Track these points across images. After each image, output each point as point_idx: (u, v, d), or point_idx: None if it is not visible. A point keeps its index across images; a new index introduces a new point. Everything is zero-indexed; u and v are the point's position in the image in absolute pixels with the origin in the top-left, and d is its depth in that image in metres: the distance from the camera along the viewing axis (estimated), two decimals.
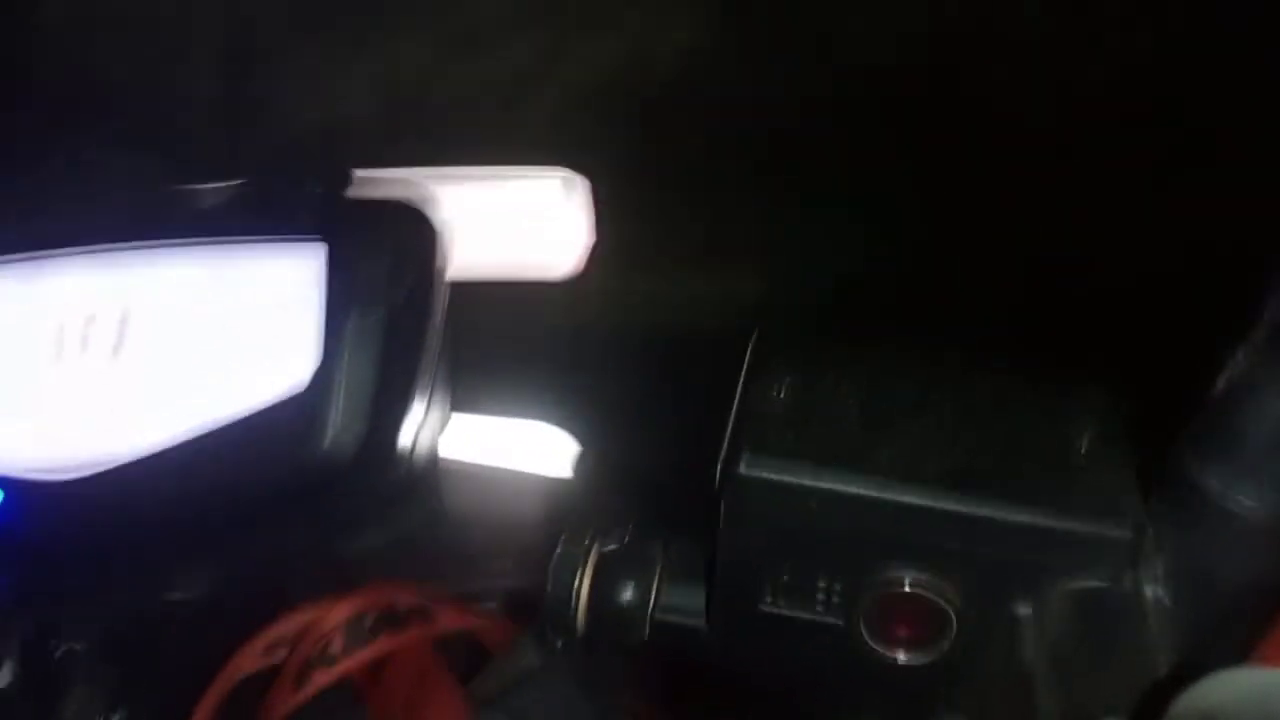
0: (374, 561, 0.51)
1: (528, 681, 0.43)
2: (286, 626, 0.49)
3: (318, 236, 0.48)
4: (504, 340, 0.59)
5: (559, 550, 0.42)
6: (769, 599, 0.40)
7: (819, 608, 0.40)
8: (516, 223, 0.53)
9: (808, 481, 0.39)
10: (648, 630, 0.42)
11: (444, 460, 0.51)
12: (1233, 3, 0.56)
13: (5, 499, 0.45)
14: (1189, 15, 0.57)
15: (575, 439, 0.60)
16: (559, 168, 0.54)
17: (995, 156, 0.63)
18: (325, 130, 0.61)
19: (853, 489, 0.39)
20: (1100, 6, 0.59)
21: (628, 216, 0.56)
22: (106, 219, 0.50)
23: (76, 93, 0.60)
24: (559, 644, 0.43)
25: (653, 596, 0.42)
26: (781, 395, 0.42)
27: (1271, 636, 0.41)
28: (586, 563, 0.42)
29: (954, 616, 0.39)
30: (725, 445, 0.41)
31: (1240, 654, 0.41)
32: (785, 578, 0.40)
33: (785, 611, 0.40)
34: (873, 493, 0.39)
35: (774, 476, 0.39)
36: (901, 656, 0.40)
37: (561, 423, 0.60)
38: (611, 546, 0.43)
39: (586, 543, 0.43)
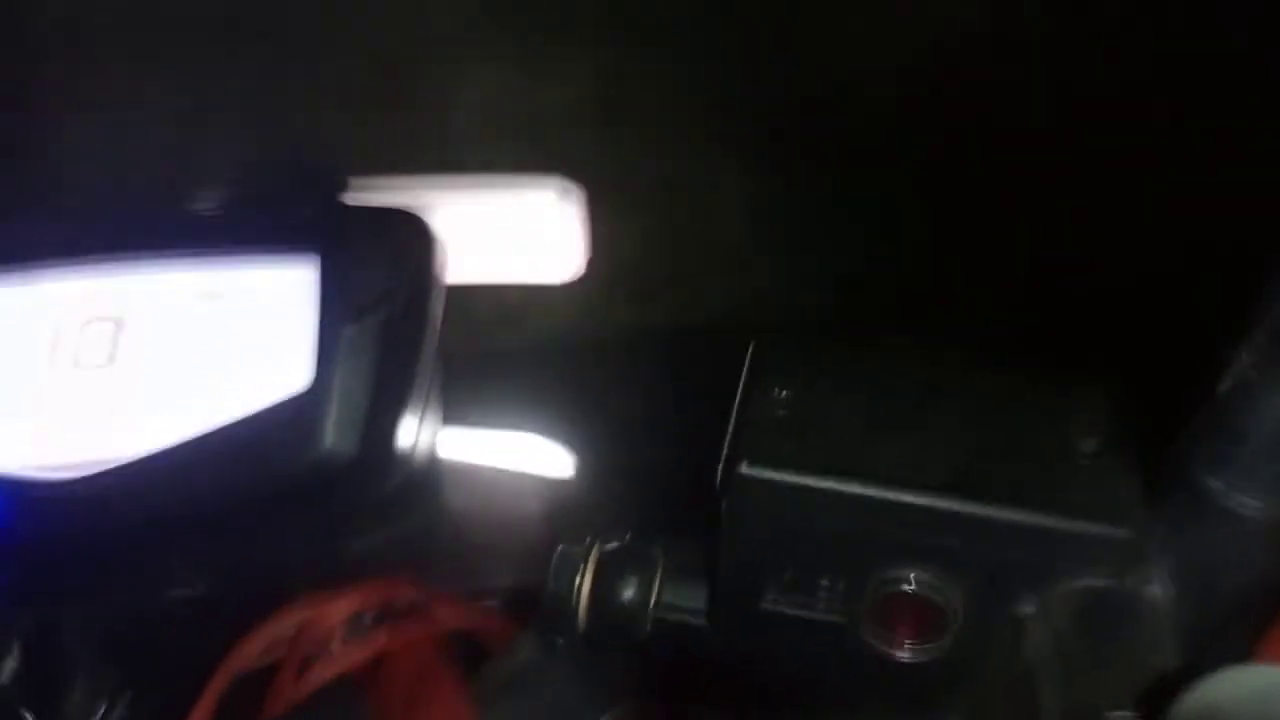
0: (373, 560, 0.51)
1: (528, 679, 0.43)
2: (286, 622, 0.49)
3: (312, 247, 0.48)
4: (503, 338, 0.59)
5: (560, 549, 0.42)
6: (770, 597, 0.41)
7: (820, 606, 0.40)
8: (513, 231, 0.53)
9: (809, 482, 0.39)
10: (649, 628, 0.42)
11: (443, 461, 0.51)
12: (1233, 2, 0.56)
13: (5, 501, 0.45)
14: (1189, 15, 0.57)
15: (575, 440, 0.60)
16: (554, 175, 0.54)
17: (995, 156, 0.63)
18: (319, 140, 0.61)
19: (854, 489, 0.39)
20: (1100, 6, 0.59)
21: (625, 219, 0.56)
22: (103, 230, 0.50)
23: (69, 103, 0.60)
24: (559, 642, 0.43)
25: (654, 595, 0.42)
26: (783, 397, 0.42)
27: (1273, 635, 0.41)
28: (587, 562, 0.42)
29: (956, 616, 0.39)
30: (726, 446, 0.41)
31: (1242, 653, 0.41)
32: (787, 576, 0.40)
33: (787, 610, 0.41)
34: (874, 493, 0.39)
35: (775, 477, 0.39)
36: (903, 655, 0.40)
37: (561, 422, 0.60)
38: (612, 546, 0.43)
39: (587, 542, 0.43)
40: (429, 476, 0.49)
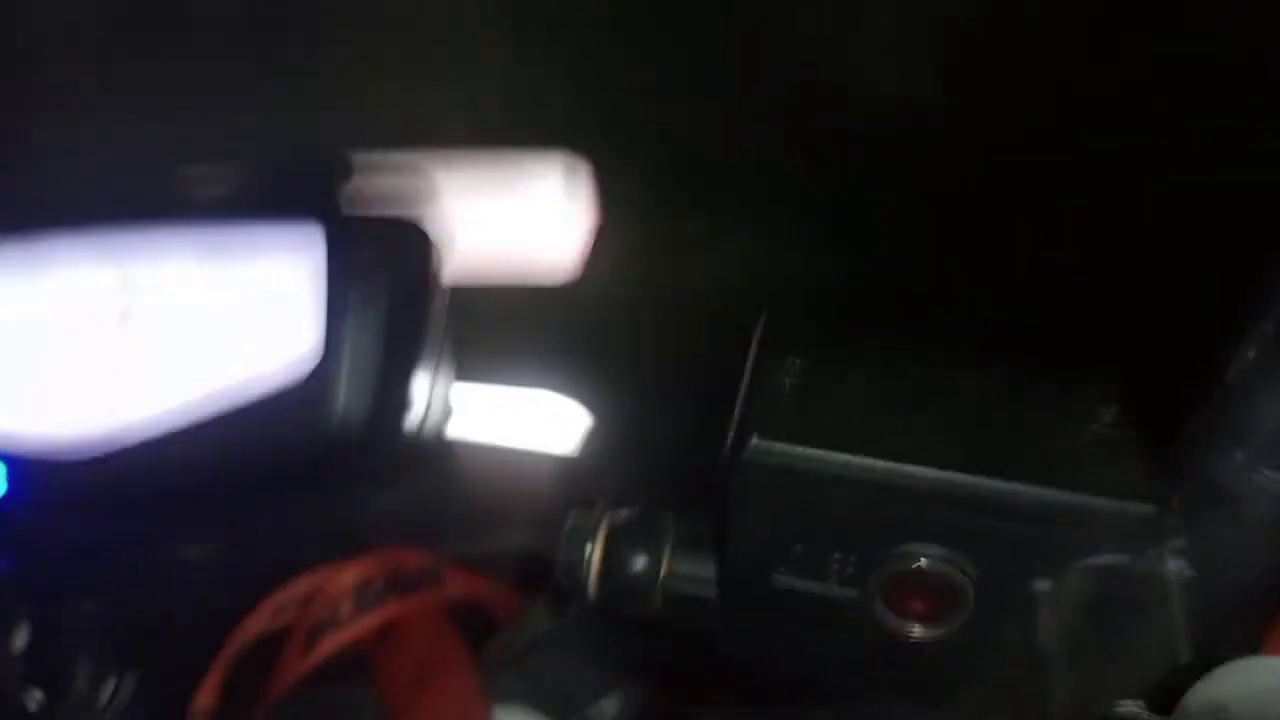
0: (384, 529, 0.50)
1: (540, 645, 0.43)
2: (295, 590, 0.48)
3: (318, 220, 0.48)
4: (515, 316, 0.59)
5: (570, 519, 0.42)
6: (782, 571, 0.40)
7: (832, 581, 0.40)
8: (520, 209, 0.53)
9: (821, 455, 0.39)
10: (659, 599, 0.41)
11: (454, 432, 0.50)
12: (1233, 2, 0.57)
13: (13, 477, 0.44)
14: (1189, 15, 0.58)
15: (587, 410, 0.59)
16: (560, 153, 0.54)
17: (995, 156, 0.63)
18: (325, 123, 0.61)
19: (866, 464, 0.39)
20: (1100, 7, 0.60)
21: (633, 198, 0.56)
22: (109, 205, 0.50)
23: (78, 86, 0.60)
24: (571, 609, 0.42)
25: (664, 566, 0.41)
26: (793, 373, 0.41)
27: None
28: (598, 532, 0.41)
29: (970, 591, 0.39)
30: (736, 422, 0.40)
31: (1253, 643, 0.40)
32: (798, 551, 0.40)
33: (797, 585, 0.40)
34: (886, 468, 0.38)
35: (786, 450, 0.39)
36: (916, 631, 0.40)
37: (573, 392, 0.60)
38: (623, 516, 0.42)
39: (598, 512, 0.42)
40: (440, 443, 0.48)
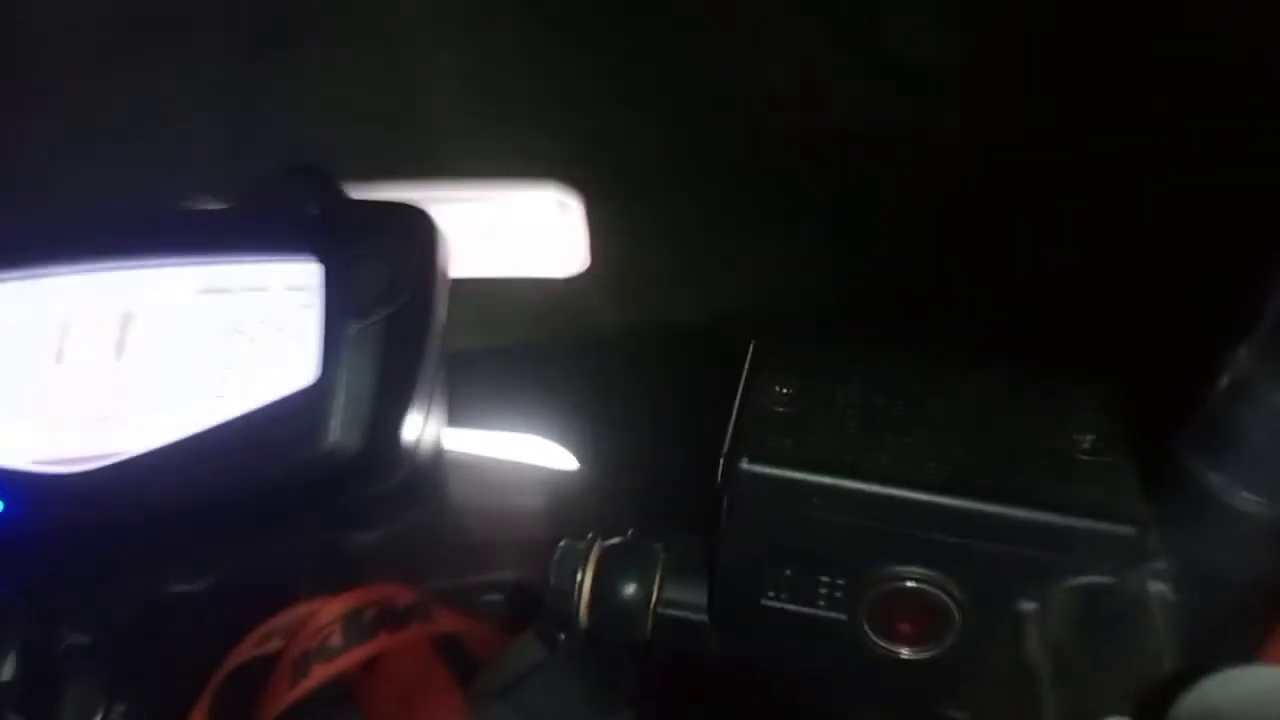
0: (376, 556, 0.51)
1: (530, 675, 0.43)
2: (283, 619, 0.49)
3: (316, 244, 0.48)
4: (506, 334, 0.59)
5: (561, 545, 0.42)
6: (771, 594, 0.40)
7: (821, 603, 0.40)
8: (513, 236, 0.53)
9: (809, 478, 0.39)
10: (650, 625, 0.42)
11: (446, 458, 0.51)
12: (1233, 3, 0.56)
13: (10, 495, 0.45)
14: (1189, 15, 0.58)
15: (577, 436, 0.60)
16: (553, 183, 0.54)
17: (995, 156, 0.63)
18: (322, 147, 0.61)
19: (854, 486, 0.39)
20: (1100, 7, 0.60)
21: (626, 216, 0.56)
22: (108, 229, 0.50)
23: (68, 108, 0.60)
24: (562, 638, 0.43)
25: (655, 591, 0.42)
26: (783, 394, 0.42)
27: (1275, 635, 0.41)
28: (589, 558, 0.42)
29: (957, 612, 0.39)
30: (727, 443, 0.41)
31: (1243, 652, 0.41)
32: (787, 573, 0.40)
33: (788, 606, 0.40)
34: (874, 490, 0.39)
35: (776, 473, 0.39)
36: (905, 652, 0.40)
37: (563, 419, 0.60)
38: (613, 542, 0.43)
39: (589, 538, 0.43)
40: (433, 472, 0.49)
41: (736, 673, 0.43)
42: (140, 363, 0.48)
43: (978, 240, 0.65)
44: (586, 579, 0.41)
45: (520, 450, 0.59)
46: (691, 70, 0.62)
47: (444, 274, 0.49)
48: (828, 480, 0.39)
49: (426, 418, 0.46)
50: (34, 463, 0.46)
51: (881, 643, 0.40)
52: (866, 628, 0.40)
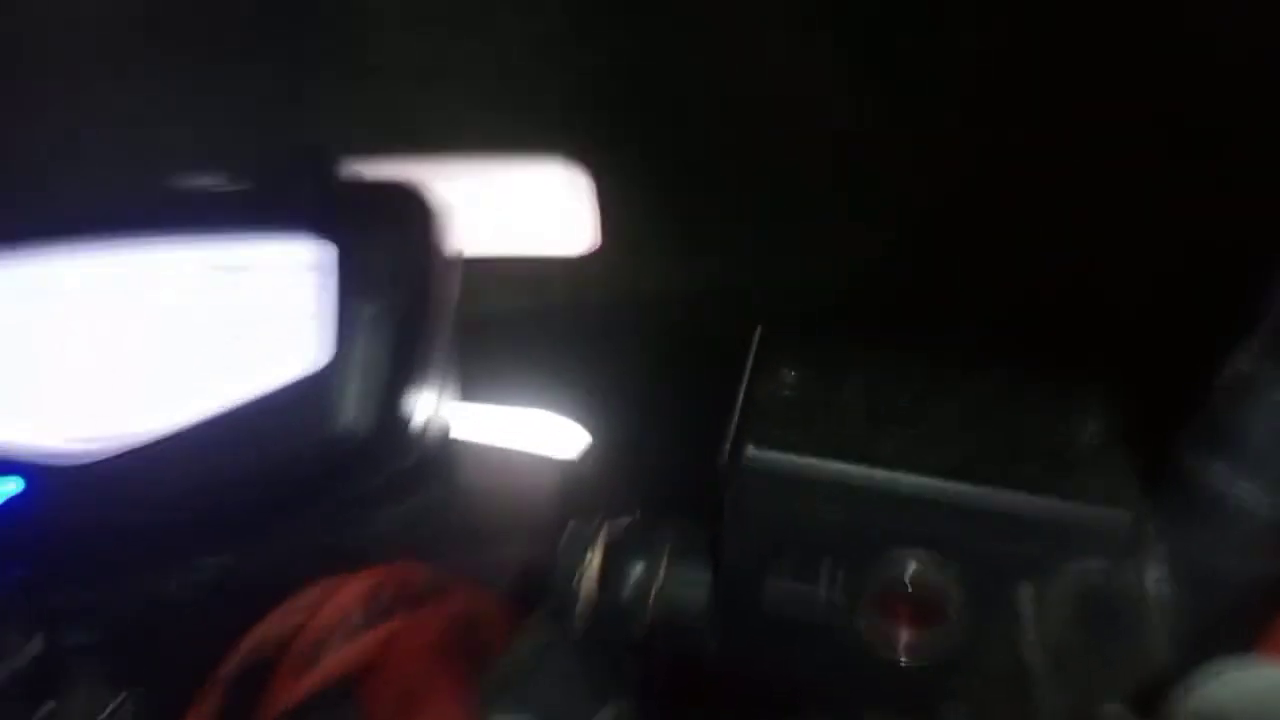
0: (386, 539, 0.51)
1: (535, 662, 0.43)
2: (302, 599, 0.48)
3: (327, 227, 0.48)
4: (514, 330, 0.59)
5: (568, 531, 0.42)
6: (774, 580, 0.41)
7: (823, 590, 0.40)
8: (522, 209, 0.53)
9: (813, 465, 0.39)
10: (656, 608, 0.42)
11: (456, 440, 0.51)
12: (1233, 3, 0.56)
13: (25, 477, 0.45)
14: (1189, 15, 0.58)
15: (584, 427, 0.60)
16: (561, 159, 0.54)
17: (995, 156, 0.63)
18: (331, 128, 0.61)
19: (856, 477, 0.39)
20: (1100, 7, 0.60)
21: (633, 209, 0.56)
22: (116, 214, 0.50)
23: (81, 100, 0.60)
24: (566, 625, 0.43)
25: (660, 573, 0.42)
26: (787, 386, 0.42)
27: (1271, 632, 0.41)
28: (596, 541, 0.42)
29: (955, 603, 0.39)
30: (731, 433, 0.41)
31: (1240, 649, 0.41)
32: (790, 559, 0.40)
33: (790, 590, 0.41)
34: (877, 477, 0.39)
35: (778, 464, 0.39)
36: (906, 636, 0.40)
37: (571, 411, 0.60)
38: (620, 525, 0.43)
39: (596, 521, 0.43)
40: (443, 454, 0.49)
41: (738, 663, 0.43)
42: (151, 346, 0.48)
43: (978, 240, 0.65)
44: (594, 559, 0.41)
45: (531, 425, 0.59)
46: (699, 66, 0.62)
47: (454, 255, 0.49)
48: (831, 467, 0.39)
49: (437, 399, 0.46)
50: (47, 448, 0.46)
51: (880, 633, 0.40)
52: (866, 615, 0.40)
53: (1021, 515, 0.38)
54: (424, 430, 0.46)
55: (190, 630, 0.51)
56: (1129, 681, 0.39)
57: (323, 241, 0.47)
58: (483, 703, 0.43)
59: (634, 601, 0.43)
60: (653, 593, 0.43)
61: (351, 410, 0.45)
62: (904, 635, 0.41)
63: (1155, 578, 0.39)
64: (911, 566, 0.40)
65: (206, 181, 0.52)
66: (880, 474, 0.39)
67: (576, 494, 0.55)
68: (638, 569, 0.43)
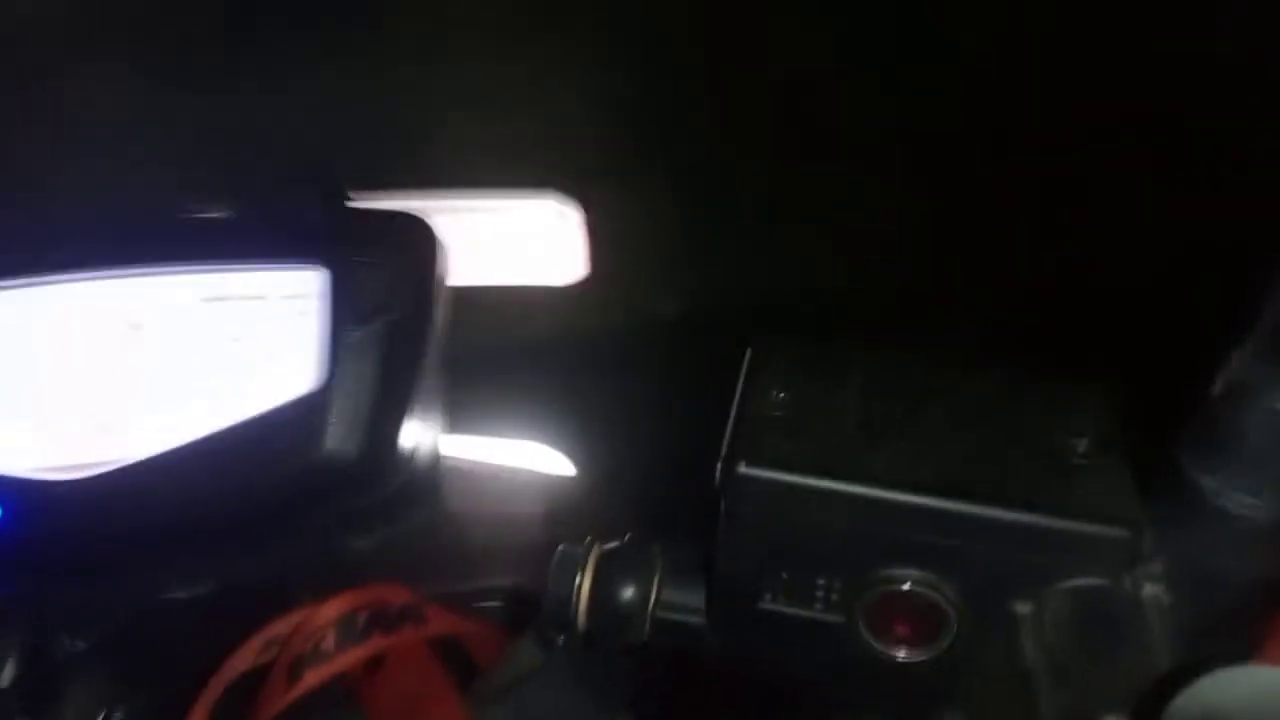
0: (374, 561, 0.51)
1: (530, 678, 0.43)
2: (283, 624, 0.49)
3: (318, 254, 0.49)
4: (506, 343, 0.60)
5: (560, 549, 0.42)
6: (768, 597, 0.41)
7: (818, 605, 0.40)
8: (513, 246, 0.54)
9: (806, 482, 0.39)
10: (648, 628, 0.42)
11: (445, 461, 0.51)
12: (1233, 3, 0.56)
13: (12, 501, 0.46)
14: (1189, 16, 0.58)
15: (574, 441, 0.60)
16: (553, 192, 0.54)
17: (995, 156, 0.63)
18: (325, 157, 0.61)
19: (851, 490, 0.39)
20: (1100, 7, 0.60)
21: (625, 220, 0.56)
22: (109, 241, 0.51)
23: (74, 115, 0.60)
24: (560, 641, 0.43)
25: (653, 595, 0.42)
26: (781, 398, 0.42)
27: (1270, 635, 0.41)
28: (587, 561, 0.42)
29: (953, 615, 0.39)
30: (725, 446, 0.41)
31: (1238, 653, 0.41)
32: (785, 576, 0.40)
33: (785, 609, 0.41)
34: (871, 493, 0.39)
35: (773, 477, 0.39)
36: (901, 654, 0.40)
37: (561, 423, 0.60)
38: (612, 546, 0.43)
39: (587, 542, 0.43)
40: (431, 478, 0.49)
41: (734, 676, 0.43)
42: (141, 369, 0.48)
43: (978, 240, 0.65)
44: (585, 582, 0.41)
45: (518, 455, 0.59)
46: (690, 73, 0.62)
47: (443, 282, 0.50)
48: (825, 484, 0.39)
49: (425, 425, 0.47)
50: (36, 469, 0.46)
51: (878, 645, 0.40)
52: (863, 630, 0.40)
53: (1017, 529, 0.38)
54: (413, 454, 0.47)
55: (181, 642, 0.51)
56: (1128, 689, 0.39)
57: (314, 267, 0.48)
58: (475, 712, 0.44)
59: (627, 622, 0.43)
60: (646, 613, 0.43)
61: (340, 434, 0.45)
62: (902, 643, 0.41)
63: (1153, 587, 0.39)
64: (908, 581, 0.40)
65: (199, 209, 0.52)
66: (874, 489, 0.39)
67: (566, 517, 0.55)
68: (629, 590, 0.43)
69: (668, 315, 0.65)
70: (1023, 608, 0.40)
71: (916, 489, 0.39)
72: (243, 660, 0.49)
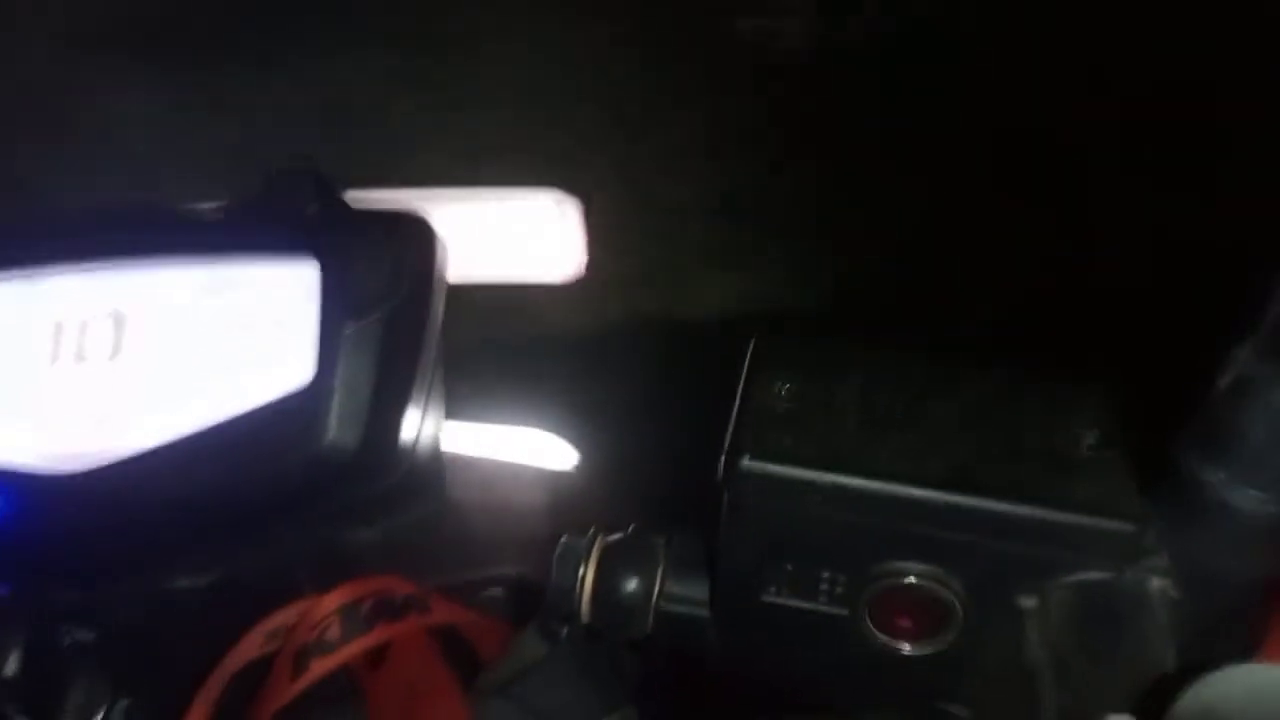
0: (376, 553, 0.51)
1: (533, 670, 0.43)
2: (285, 615, 0.49)
3: (314, 245, 0.48)
4: (506, 332, 0.59)
5: (563, 541, 0.42)
6: (772, 590, 0.40)
7: (822, 599, 0.40)
8: (512, 240, 0.53)
9: (810, 475, 0.39)
10: (651, 621, 0.42)
11: (447, 454, 0.51)
12: (1232, 5, 0.57)
13: (8, 495, 0.45)
14: (1189, 17, 0.58)
15: (578, 433, 0.60)
16: (552, 188, 0.54)
17: (995, 156, 0.64)
18: (322, 152, 0.61)
19: (855, 483, 0.39)
20: (1100, 8, 0.60)
21: (628, 217, 0.56)
22: (103, 235, 0.50)
23: (70, 113, 0.60)
24: (563, 634, 0.42)
25: (656, 587, 0.42)
26: (784, 391, 0.41)
27: (1274, 633, 0.41)
28: (590, 554, 0.42)
29: (958, 608, 0.39)
30: (728, 440, 0.41)
31: (1242, 650, 0.41)
32: (788, 569, 0.40)
33: (788, 603, 0.40)
34: (874, 487, 0.39)
35: (777, 470, 0.39)
36: (906, 648, 0.40)
37: (564, 416, 0.60)
38: (615, 538, 0.42)
39: (590, 534, 0.42)
40: (432, 470, 0.49)
41: (738, 669, 0.43)
42: (137, 363, 0.48)
43: (978, 240, 0.65)
44: (588, 574, 0.41)
45: (521, 444, 0.59)
46: (690, 72, 0.62)
47: (441, 275, 0.50)
48: (829, 477, 0.39)
49: (424, 417, 0.46)
50: (31, 463, 0.46)
51: (882, 639, 0.40)
52: (867, 623, 0.40)
53: (1022, 523, 0.38)
54: (411, 447, 0.46)
55: (184, 635, 0.51)
56: (1132, 684, 0.39)
57: (311, 262, 0.48)
58: (478, 705, 0.43)
59: (630, 614, 0.42)
60: (649, 605, 0.42)
61: (337, 427, 0.45)
62: (906, 636, 0.41)
63: (1158, 582, 0.39)
64: (911, 575, 0.40)
65: (195, 203, 0.52)
66: (877, 483, 0.38)
67: (569, 509, 0.55)
68: (633, 583, 0.42)
69: (671, 311, 0.65)
70: (1027, 601, 0.40)
71: (920, 482, 0.39)
72: (245, 652, 0.48)
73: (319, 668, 0.46)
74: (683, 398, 0.60)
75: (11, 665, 0.48)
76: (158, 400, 0.47)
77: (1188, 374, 0.42)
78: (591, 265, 0.53)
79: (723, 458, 0.40)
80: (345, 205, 0.51)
